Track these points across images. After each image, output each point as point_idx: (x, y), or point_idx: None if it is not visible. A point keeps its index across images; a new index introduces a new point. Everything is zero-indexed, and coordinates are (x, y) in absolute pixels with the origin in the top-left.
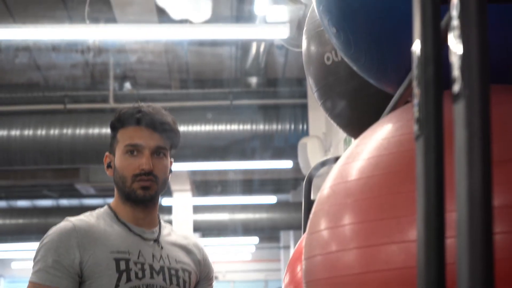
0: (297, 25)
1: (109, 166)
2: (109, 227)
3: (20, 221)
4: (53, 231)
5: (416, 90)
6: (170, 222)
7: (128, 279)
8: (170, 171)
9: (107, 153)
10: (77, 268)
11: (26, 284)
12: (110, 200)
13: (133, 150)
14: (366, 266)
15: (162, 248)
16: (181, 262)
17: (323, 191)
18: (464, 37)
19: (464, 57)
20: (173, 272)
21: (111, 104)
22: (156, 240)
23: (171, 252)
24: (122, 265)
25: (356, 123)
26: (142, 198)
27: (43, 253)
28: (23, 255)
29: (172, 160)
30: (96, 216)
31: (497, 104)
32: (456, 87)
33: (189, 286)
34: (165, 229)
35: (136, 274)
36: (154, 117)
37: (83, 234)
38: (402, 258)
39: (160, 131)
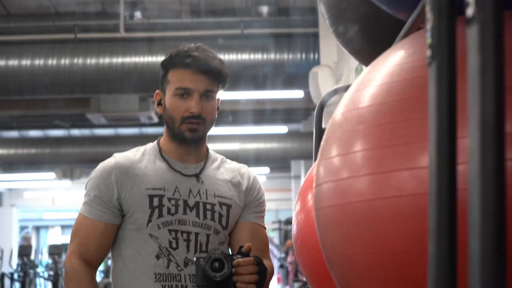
0: None
1: (159, 104)
2: (151, 164)
3: (32, 150)
4: (98, 167)
5: (429, 15)
6: None
7: (160, 215)
8: (218, 108)
9: (157, 91)
10: (116, 203)
11: (38, 213)
12: (121, 130)
13: (183, 93)
14: (377, 193)
15: (202, 182)
16: (221, 196)
17: (334, 118)
18: None
19: None
20: (208, 206)
21: (122, 33)
22: (198, 175)
23: (212, 186)
24: (155, 201)
25: (368, 49)
26: (190, 140)
27: (88, 188)
28: (35, 184)
29: (220, 98)
30: (142, 152)
31: (510, 30)
32: (470, 11)
33: (227, 220)
34: (215, 162)
35: (169, 209)
36: (204, 61)
37: (123, 171)
38: (414, 184)
39: (209, 74)
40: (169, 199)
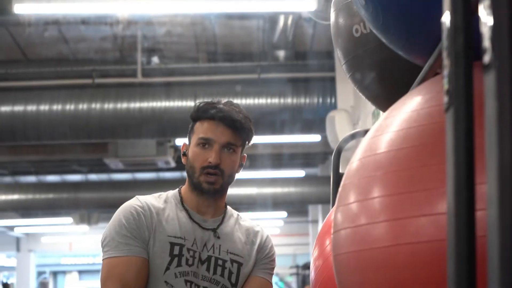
0: None
1: (184, 154)
2: (172, 212)
3: (50, 195)
4: (123, 207)
5: (445, 61)
6: None
7: (179, 264)
8: (241, 165)
9: (184, 142)
10: (146, 242)
11: (56, 259)
12: (138, 175)
13: (204, 143)
14: (395, 239)
15: (218, 237)
16: (234, 253)
17: (352, 164)
18: (495, 8)
19: (495, 28)
20: (220, 262)
21: (139, 78)
22: (215, 230)
23: (226, 243)
24: (176, 250)
25: (385, 95)
26: (207, 191)
27: (118, 228)
28: (52, 229)
29: (245, 155)
30: (164, 199)
31: None
32: (487, 58)
33: (237, 278)
34: (231, 218)
35: (187, 260)
36: (228, 114)
37: (148, 214)
38: (432, 231)
39: (232, 127)
40: (188, 250)
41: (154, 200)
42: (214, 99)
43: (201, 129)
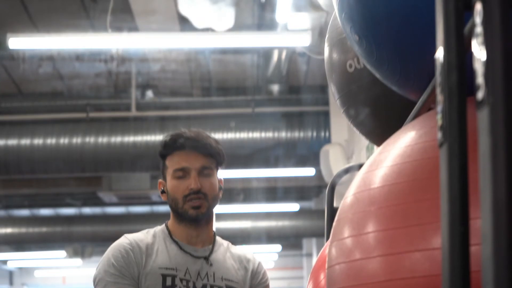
0: (319, 33)
1: (162, 192)
2: (162, 245)
3: (43, 229)
4: (113, 247)
5: (439, 97)
6: None
7: None
8: (220, 188)
9: (160, 180)
10: (136, 280)
11: None
12: (132, 209)
13: (181, 174)
14: (390, 274)
15: (211, 265)
16: (228, 279)
17: (346, 198)
18: (488, 44)
19: (488, 64)
20: None
21: (134, 112)
22: (207, 258)
23: (219, 270)
24: (168, 281)
25: (379, 130)
26: (195, 218)
27: (106, 267)
28: (46, 263)
29: (222, 179)
30: (152, 234)
31: None
32: (480, 94)
33: None
34: (221, 246)
35: None
36: (196, 140)
37: (137, 250)
38: (427, 266)
39: (203, 152)
40: (181, 280)
41: (142, 236)
42: (177, 131)
43: (174, 161)
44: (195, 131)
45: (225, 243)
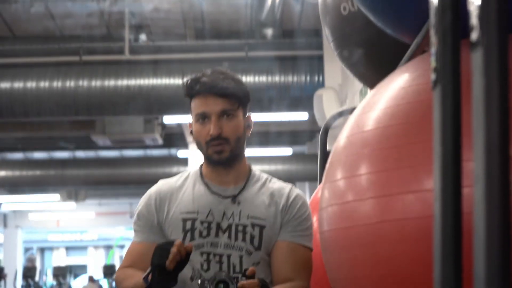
0: None
1: (191, 132)
2: (189, 188)
3: (37, 172)
4: (144, 194)
5: (433, 39)
6: None
7: (192, 238)
8: (249, 126)
9: (189, 122)
10: (157, 227)
11: (43, 235)
12: (126, 152)
13: (202, 118)
14: (382, 216)
15: (239, 204)
16: (255, 217)
17: (339, 141)
18: None
19: (483, 6)
20: (240, 228)
21: (127, 55)
22: (234, 197)
23: (247, 208)
24: (188, 225)
25: (373, 73)
26: (218, 161)
27: (136, 216)
28: (40, 206)
29: (249, 114)
30: (185, 177)
31: None
32: (474, 36)
33: (259, 241)
34: (257, 182)
35: (201, 232)
36: (214, 83)
37: (162, 197)
38: (419, 208)
39: (222, 95)
40: (202, 222)
41: (174, 180)
42: (198, 72)
43: (195, 105)
44: (213, 72)
45: (263, 177)
